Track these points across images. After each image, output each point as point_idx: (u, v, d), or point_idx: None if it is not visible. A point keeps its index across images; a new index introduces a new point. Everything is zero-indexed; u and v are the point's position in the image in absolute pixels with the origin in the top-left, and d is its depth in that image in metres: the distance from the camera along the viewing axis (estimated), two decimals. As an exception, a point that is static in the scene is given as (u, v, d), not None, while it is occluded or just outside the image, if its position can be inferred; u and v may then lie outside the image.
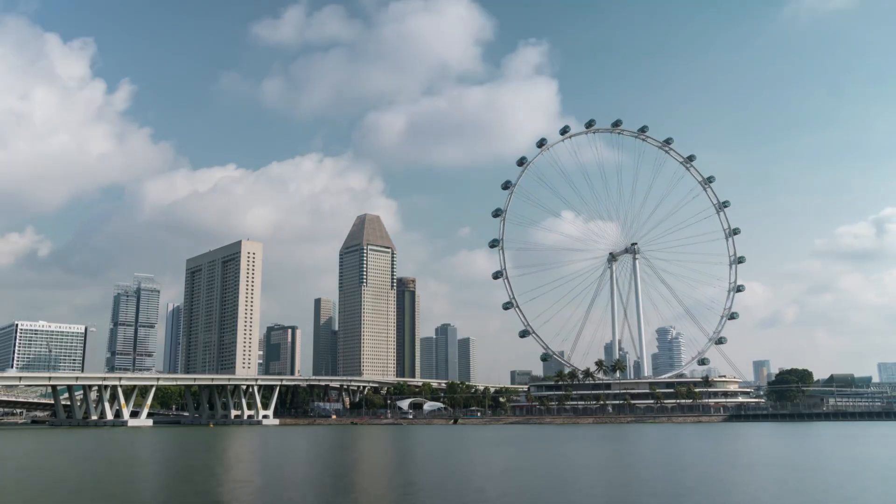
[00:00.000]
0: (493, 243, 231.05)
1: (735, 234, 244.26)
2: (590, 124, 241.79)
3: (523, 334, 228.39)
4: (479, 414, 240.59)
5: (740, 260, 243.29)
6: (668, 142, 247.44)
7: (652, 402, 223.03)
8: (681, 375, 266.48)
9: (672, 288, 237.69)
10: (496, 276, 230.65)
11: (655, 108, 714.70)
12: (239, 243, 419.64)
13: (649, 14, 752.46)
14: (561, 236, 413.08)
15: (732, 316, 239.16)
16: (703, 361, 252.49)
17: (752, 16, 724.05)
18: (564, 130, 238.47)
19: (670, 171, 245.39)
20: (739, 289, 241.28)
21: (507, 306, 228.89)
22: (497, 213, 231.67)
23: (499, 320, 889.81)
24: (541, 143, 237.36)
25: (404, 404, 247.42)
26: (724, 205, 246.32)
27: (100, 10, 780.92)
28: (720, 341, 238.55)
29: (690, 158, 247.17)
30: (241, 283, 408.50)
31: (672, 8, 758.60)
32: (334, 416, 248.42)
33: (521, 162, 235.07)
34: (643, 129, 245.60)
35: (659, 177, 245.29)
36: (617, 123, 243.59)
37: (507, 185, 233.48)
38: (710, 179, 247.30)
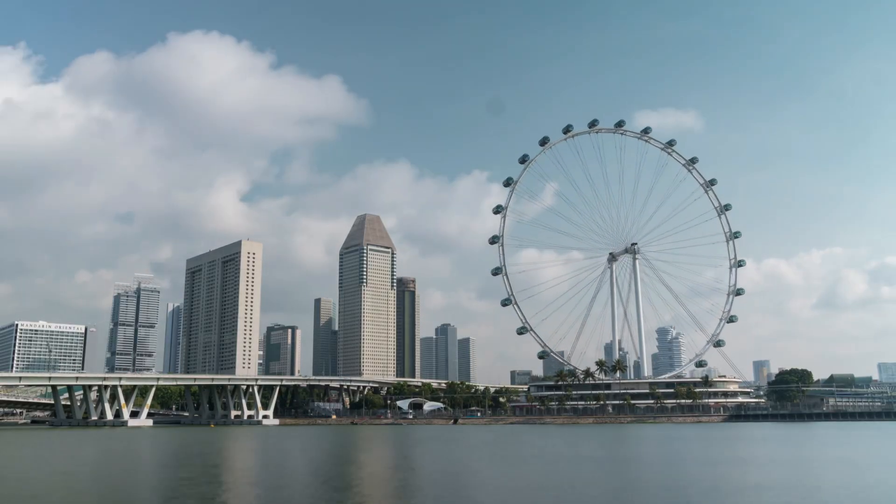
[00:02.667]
0: (494, 240, 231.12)
1: (735, 237, 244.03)
2: (592, 124, 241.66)
3: (521, 331, 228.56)
4: (479, 414, 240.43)
5: (740, 263, 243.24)
6: (670, 143, 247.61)
7: (652, 402, 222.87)
8: (680, 376, 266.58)
9: (672, 289, 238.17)
10: (495, 272, 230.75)
11: (657, 109, 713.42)
12: (239, 243, 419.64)
13: (650, 14, 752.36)
14: (561, 235, 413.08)
15: (731, 319, 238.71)
16: (700, 364, 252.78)
17: (753, 16, 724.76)
18: (567, 129, 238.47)
19: (672, 173, 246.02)
20: (739, 292, 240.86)
21: (505, 302, 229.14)
22: (498, 210, 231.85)
23: (498, 320, 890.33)
24: (543, 142, 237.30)
25: (404, 404, 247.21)
26: (726, 208, 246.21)
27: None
28: (718, 344, 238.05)
29: (693, 161, 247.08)
30: (241, 283, 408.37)
31: (673, 8, 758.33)
32: (334, 417, 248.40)
33: (524, 160, 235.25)
34: (646, 131, 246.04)
35: (661, 178, 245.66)
36: (620, 124, 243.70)
37: (508, 182, 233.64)
38: (711, 182, 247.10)
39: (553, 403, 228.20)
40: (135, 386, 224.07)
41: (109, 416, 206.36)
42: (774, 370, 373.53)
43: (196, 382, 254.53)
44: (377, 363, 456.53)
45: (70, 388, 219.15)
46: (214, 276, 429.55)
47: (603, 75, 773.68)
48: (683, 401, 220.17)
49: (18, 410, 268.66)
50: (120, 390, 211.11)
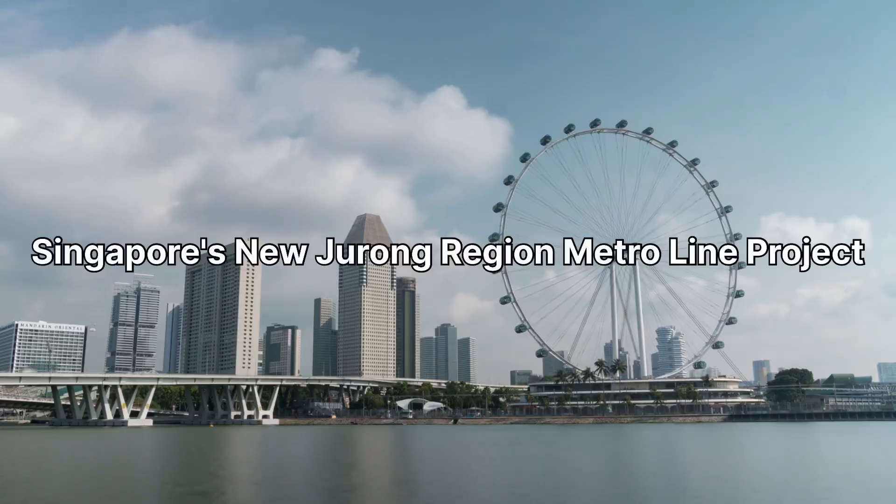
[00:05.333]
0: (493, 238, 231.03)
1: (736, 238, 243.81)
2: (594, 124, 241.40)
3: (519, 329, 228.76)
4: (479, 414, 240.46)
5: (740, 266, 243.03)
6: (672, 144, 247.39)
7: (652, 402, 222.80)
8: (679, 376, 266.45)
9: (672, 289, 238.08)
10: (495, 270, 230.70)
11: (660, 110, 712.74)
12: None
13: (652, 16, 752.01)
14: (562, 234, 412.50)
15: (731, 321, 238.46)
16: (699, 365, 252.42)
17: (754, 18, 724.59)
18: (569, 129, 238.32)
19: (674, 174, 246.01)
20: (739, 294, 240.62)
21: (504, 300, 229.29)
22: (498, 208, 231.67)
23: (498, 320, 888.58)
24: (545, 141, 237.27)
25: (404, 404, 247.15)
26: (727, 209, 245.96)
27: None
28: (717, 345, 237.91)
29: (694, 162, 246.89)
30: (242, 283, 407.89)
31: (674, 10, 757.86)
32: (334, 417, 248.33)
33: (525, 158, 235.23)
34: (648, 131, 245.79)
35: (662, 179, 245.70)
36: (622, 124, 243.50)
37: (509, 181, 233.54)
38: (713, 184, 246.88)
39: (553, 403, 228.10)
40: (135, 386, 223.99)
41: (109, 416, 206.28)
42: (774, 370, 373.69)
43: (196, 382, 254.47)
44: (377, 363, 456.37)
45: (70, 388, 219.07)
46: (215, 276, 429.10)
47: (605, 75, 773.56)
48: (683, 401, 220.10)
49: (18, 410, 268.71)
50: (120, 390, 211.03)
